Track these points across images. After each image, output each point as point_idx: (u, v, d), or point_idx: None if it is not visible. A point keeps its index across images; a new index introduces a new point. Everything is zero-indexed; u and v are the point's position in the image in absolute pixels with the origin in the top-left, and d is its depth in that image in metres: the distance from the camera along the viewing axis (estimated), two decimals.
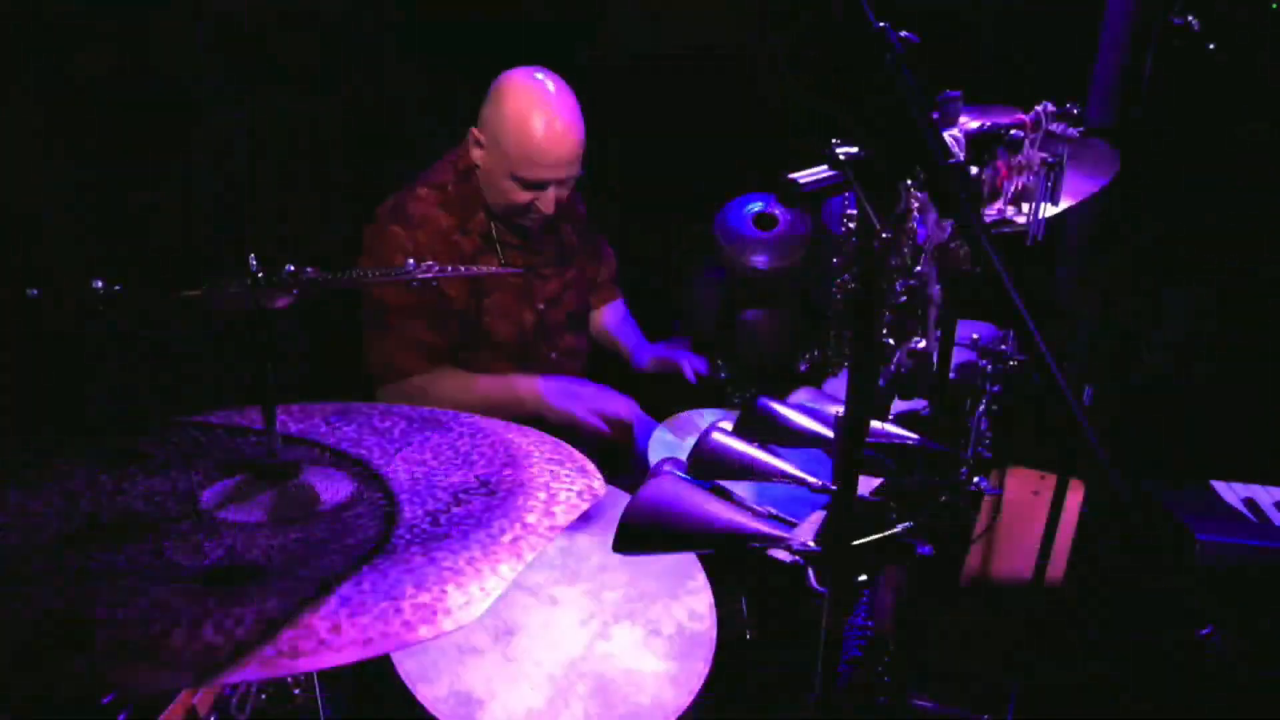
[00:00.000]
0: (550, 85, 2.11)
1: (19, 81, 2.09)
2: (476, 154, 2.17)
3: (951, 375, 1.53)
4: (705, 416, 2.45)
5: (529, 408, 2.20)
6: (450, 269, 1.18)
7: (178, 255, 2.34)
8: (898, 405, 1.60)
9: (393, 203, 2.21)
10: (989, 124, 1.54)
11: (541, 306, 2.36)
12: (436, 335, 2.20)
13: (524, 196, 2.13)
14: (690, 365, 2.56)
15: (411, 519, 1.02)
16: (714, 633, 1.63)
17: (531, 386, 2.23)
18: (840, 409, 1.02)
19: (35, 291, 0.92)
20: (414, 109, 2.83)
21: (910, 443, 1.32)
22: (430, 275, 1.13)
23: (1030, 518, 2.42)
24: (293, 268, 1.04)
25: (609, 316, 2.73)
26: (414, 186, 2.21)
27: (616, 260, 2.76)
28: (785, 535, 1.12)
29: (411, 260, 1.19)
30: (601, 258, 2.69)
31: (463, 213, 2.21)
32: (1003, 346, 1.73)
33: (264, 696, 1.44)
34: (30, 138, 2.13)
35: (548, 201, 2.15)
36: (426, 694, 1.45)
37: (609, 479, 1.28)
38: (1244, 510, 2.24)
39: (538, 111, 2.06)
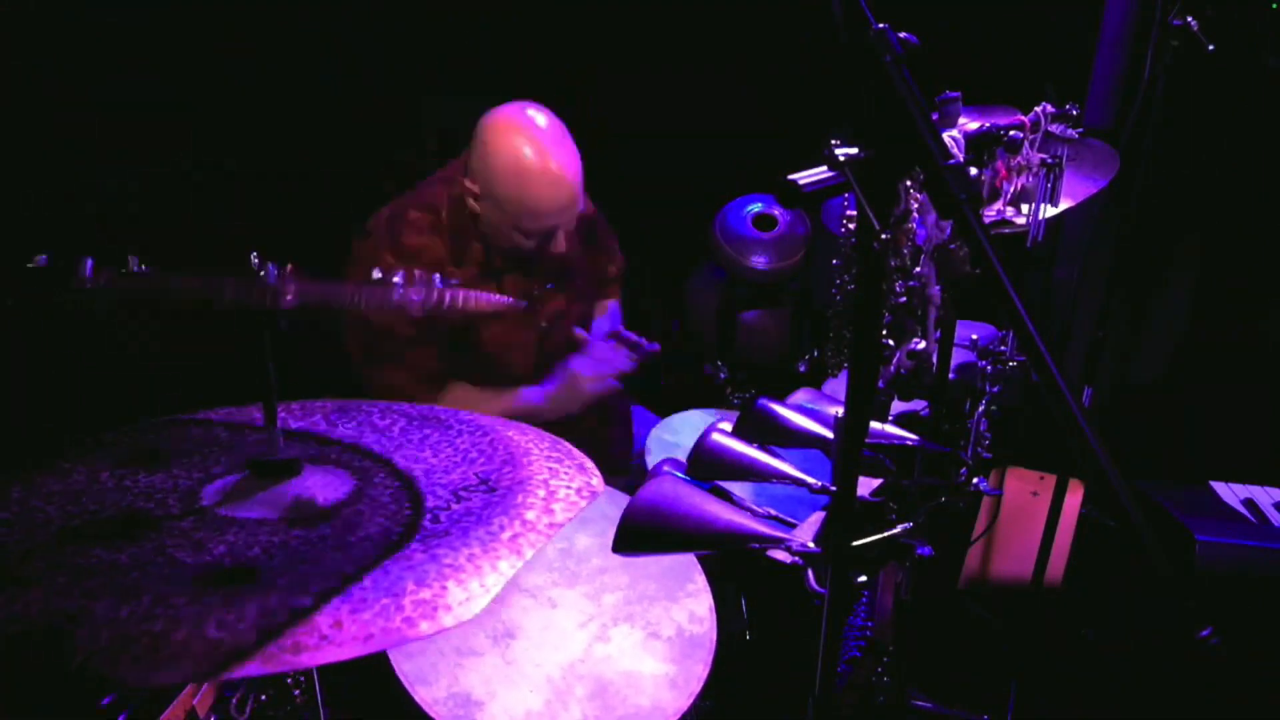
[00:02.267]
0: (540, 121, 1.99)
1: (17, 81, 2.10)
2: (473, 205, 2.06)
3: (951, 376, 1.54)
4: (704, 417, 2.45)
5: (543, 417, 2.16)
6: (457, 279, 1.16)
7: (178, 254, 2.34)
8: (897, 406, 1.60)
9: (386, 221, 2.10)
10: (988, 125, 1.54)
11: (545, 325, 2.28)
12: (443, 363, 2.13)
13: (531, 244, 2.05)
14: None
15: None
16: (714, 635, 1.63)
17: (537, 395, 2.20)
18: (840, 410, 1.02)
19: (44, 258, 0.91)
20: (414, 109, 2.83)
21: (910, 443, 1.32)
22: (422, 299, 1.12)
23: (1029, 518, 2.43)
24: (292, 268, 1.03)
25: (599, 316, 2.62)
26: (406, 206, 2.11)
27: (624, 258, 2.68)
28: (785, 536, 1.12)
29: (412, 274, 1.15)
30: (613, 255, 2.59)
31: (456, 244, 2.11)
32: (1002, 347, 1.73)
33: (264, 698, 1.44)
34: (30, 137, 2.14)
35: (558, 244, 2.07)
36: (425, 696, 1.45)
37: (607, 479, 1.28)
38: (1244, 511, 2.24)
39: (531, 159, 1.95)
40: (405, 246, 2.05)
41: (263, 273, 1.01)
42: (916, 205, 1.30)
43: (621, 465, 2.46)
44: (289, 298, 1.01)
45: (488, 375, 2.21)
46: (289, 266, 1.04)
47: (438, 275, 1.16)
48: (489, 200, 2.02)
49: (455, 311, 1.17)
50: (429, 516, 1.02)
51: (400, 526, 0.98)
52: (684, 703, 1.50)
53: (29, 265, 0.90)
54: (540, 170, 1.95)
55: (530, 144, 1.96)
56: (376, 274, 1.12)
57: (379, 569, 0.88)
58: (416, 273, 1.14)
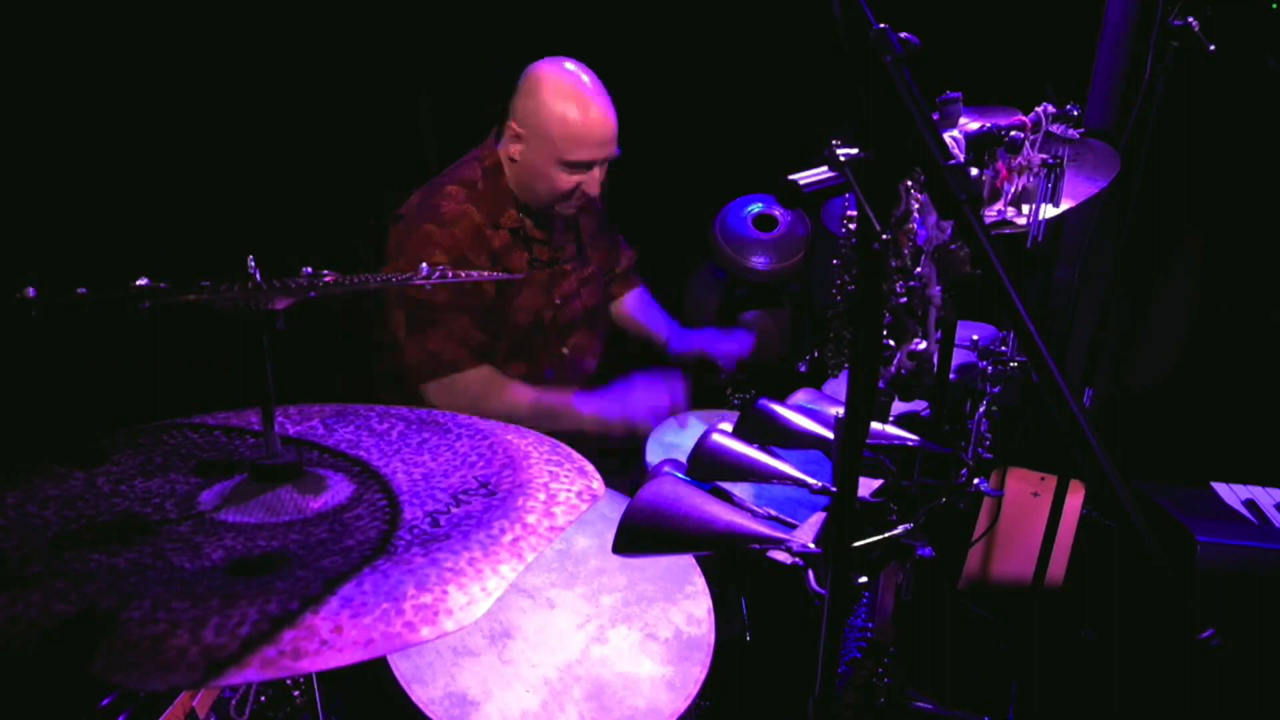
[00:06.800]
0: (581, 73, 2.19)
1: (17, 81, 2.09)
2: (514, 148, 2.21)
3: (951, 377, 1.53)
4: (704, 417, 2.45)
5: (587, 425, 2.27)
6: (464, 274, 1.18)
7: (178, 255, 2.34)
8: (898, 407, 1.60)
9: (420, 201, 2.23)
10: (989, 125, 1.53)
11: (558, 301, 2.40)
12: (481, 332, 2.24)
13: (570, 181, 2.19)
14: (724, 357, 2.58)
15: (412, 520, 1.02)
16: (712, 637, 1.63)
17: (589, 405, 2.29)
18: (840, 410, 1.02)
19: (33, 291, 0.91)
20: (414, 109, 2.82)
21: (910, 444, 1.32)
22: (442, 280, 1.13)
23: (1030, 519, 2.43)
24: (311, 270, 1.03)
25: (632, 303, 2.75)
26: (441, 184, 2.24)
27: (634, 250, 2.78)
28: (785, 537, 1.12)
29: (425, 266, 1.19)
30: (620, 248, 2.72)
31: (493, 208, 2.25)
32: (1002, 348, 1.73)
33: (263, 698, 1.44)
34: (30, 137, 2.13)
35: (593, 182, 2.21)
36: (421, 695, 1.45)
37: (608, 481, 1.28)
38: (1245, 512, 2.24)
39: (576, 95, 2.14)
40: (445, 215, 2.19)
41: (260, 274, 1.01)
42: (917, 206, 1.29)
43: (621, 466, 2.46)
44: (286, 300, 1.01)
45: (502, 343, 2.31)
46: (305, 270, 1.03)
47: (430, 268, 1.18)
48: (533, 138, 2.17)
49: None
50: (428, 520, 1.02)
51: (381, 533, 0.98)
52: (681, 704, 1.50)
53: (17, 296, 0.89)
54: (588, 100, 2.15)
55: (578, 81, 2.17)
56: (423, 269, 1.15)
57: (354, 580, 0.88)
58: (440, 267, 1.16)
